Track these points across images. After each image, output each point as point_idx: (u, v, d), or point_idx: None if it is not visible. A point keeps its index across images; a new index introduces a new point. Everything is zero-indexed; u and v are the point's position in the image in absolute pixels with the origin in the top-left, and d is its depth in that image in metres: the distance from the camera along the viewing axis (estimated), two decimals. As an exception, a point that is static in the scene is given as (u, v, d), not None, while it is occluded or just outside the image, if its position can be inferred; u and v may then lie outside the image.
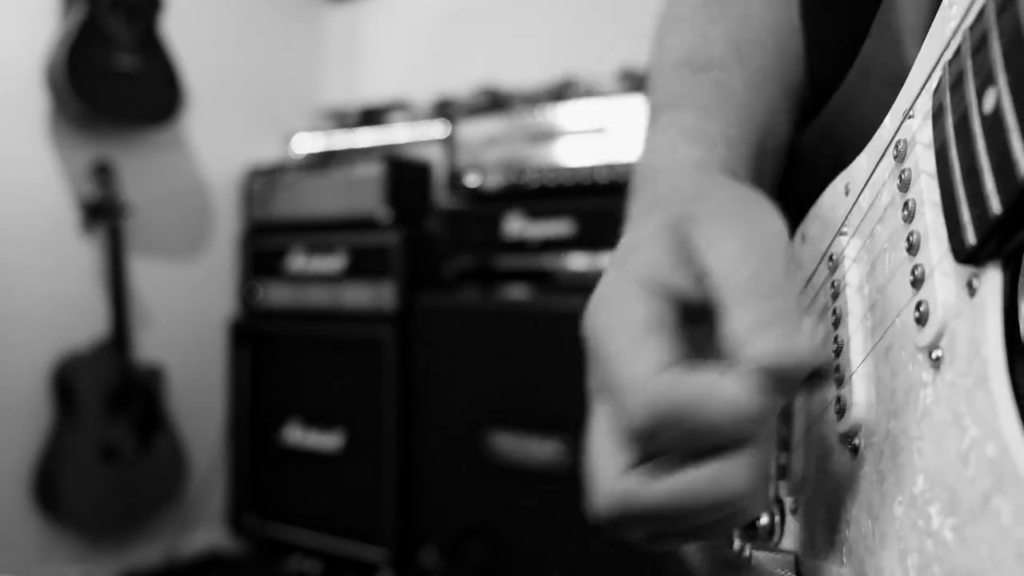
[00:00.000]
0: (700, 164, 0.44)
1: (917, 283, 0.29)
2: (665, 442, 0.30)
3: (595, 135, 2.06)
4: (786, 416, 0.45)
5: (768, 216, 0.33)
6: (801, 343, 0.27)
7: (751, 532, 0.45)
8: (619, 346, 0.32)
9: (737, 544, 0.48)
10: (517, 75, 2.45)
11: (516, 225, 2.12)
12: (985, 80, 0.24)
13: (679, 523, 0.31)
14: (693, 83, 0.49)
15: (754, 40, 0.50)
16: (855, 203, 0.37)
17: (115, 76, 2.22)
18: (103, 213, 2.27)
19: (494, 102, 2.37)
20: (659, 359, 0.30)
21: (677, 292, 0.33)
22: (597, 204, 2.00)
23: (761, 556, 0.40)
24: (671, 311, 0.33)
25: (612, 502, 0.32)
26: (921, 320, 0.28)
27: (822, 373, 0.37)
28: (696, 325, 0.32)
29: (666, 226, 0.34)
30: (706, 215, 0.33)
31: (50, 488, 2.17)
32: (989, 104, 0.24)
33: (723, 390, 0.28)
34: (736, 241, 0.31)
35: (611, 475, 0.32)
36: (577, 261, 2.01)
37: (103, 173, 2.28)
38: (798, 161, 0.50)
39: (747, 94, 0.48)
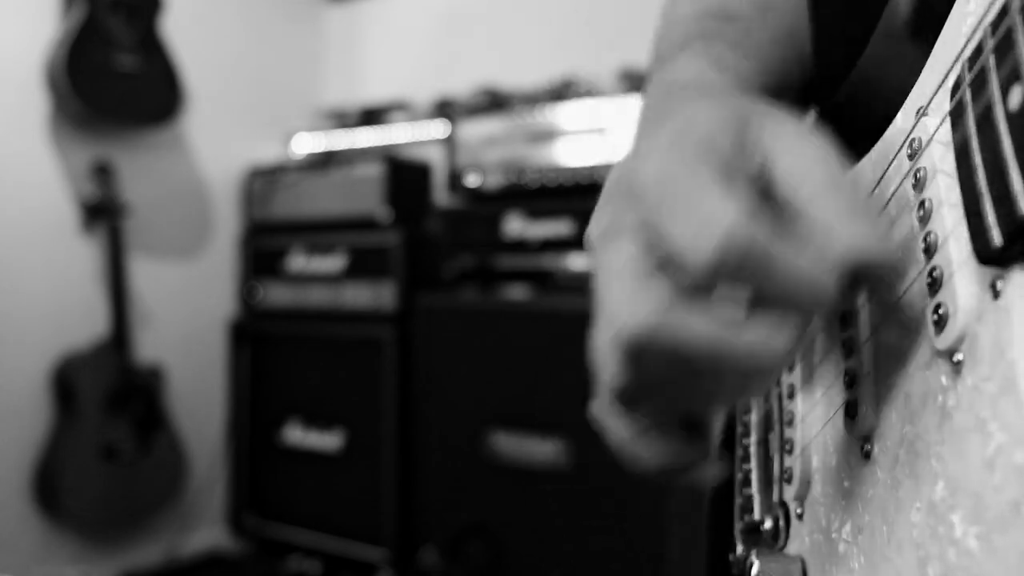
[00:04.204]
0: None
1: (935, 285, 0.28)
2: (723, 284, 0.28)
3: (595, 135, 2.05)
4: (790, 420, 0.44)
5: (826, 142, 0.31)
6: (886, 237, 0.27)
7: (755, 537, 0.44)
8: (693, 183, 0.29)
9: (741, 550, 0.47)
10: (517, 75, 2.45)
11: (516, 225, 2.12)
12: (1011, 76, 0.24)
13: (702, 374, 0.29)
14: (719, 27, 0.47)
15: (776, 5, 0.49)
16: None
17: (115, 76, 2.21)
18: (103, 213, 2.27)
19: (494, 102, 2.37)
20: (746, 203, 0.28)
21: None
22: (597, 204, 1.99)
23: (766, 561, 0.40)
24: None
25: (643, 329, 0.28)
26: (940, 323, 0.27)
27: (897, 272, 0.33)
28: None
29: (735, 116, 0.32)
30: (776, 119, 0.31)
31: (50, 488, 2.17)
32: (1015, 101, 0.23)
33: (809, 258, 0.27)
34: (810, 148, 0.29)
35: (646, 306, 0.29)
36: (577, 261, 2.00)
37: (103, 173, 2.27)
38: None
39: (773, 51, 0.47)
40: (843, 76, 0.44)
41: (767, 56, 0.47)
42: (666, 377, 0.30)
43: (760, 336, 0.27)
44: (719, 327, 0.28)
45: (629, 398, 0.32)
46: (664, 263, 0.29)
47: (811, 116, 0.51)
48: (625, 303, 0.30)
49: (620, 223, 0.32)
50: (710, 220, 0.27)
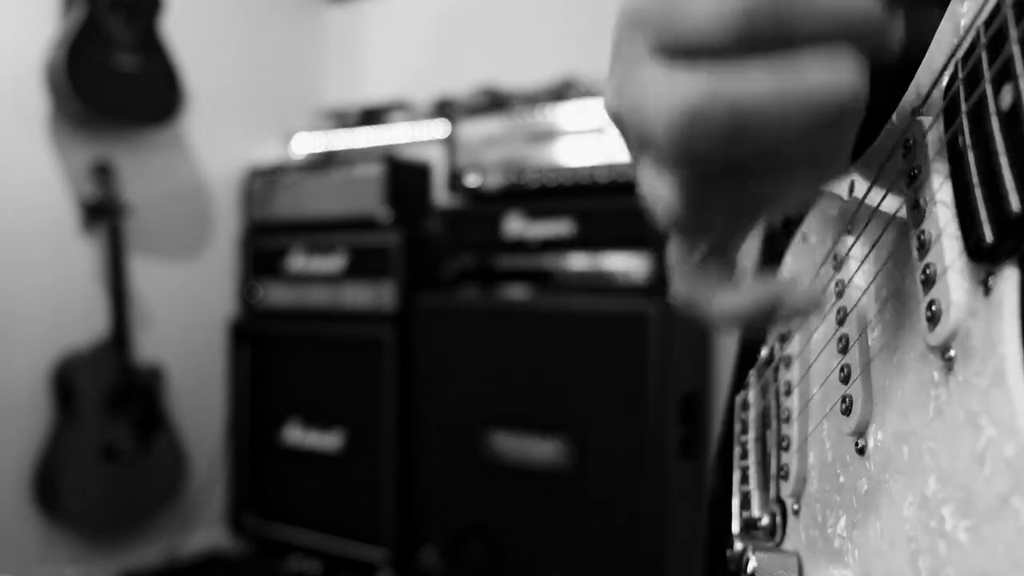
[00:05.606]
0: None
1: (928, 282, 0.29)
2: (752, 48, 0.24)
3: (595, 135, 2.06)
4: (787, 417, 0.44)
5: None
6: None
7: (753, 533, 0.45)
8: None
9: (739, 546, 0.48)
10: (517, 75, 2.45)
11: (516, 225, 2.12)
12: (1002, 76, 0.24)
13: (767, 154, 0.25)
14: None
15: None
16: (861, 202, 0.37)
17: (115, 76, 2.21)
18: (103, 213, 2.27)
19: (494, 102, 2.37)
20: None
21: None
22: (597, 204, 2.00)
23: (763, 557, 0.40)
24: None
25: (691, 104, 0.24)
26: (933, 320, 0.28)
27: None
28: None
29: None
30: None
31: (50, 488, 2.17)
32: (1007, 100, 0.23)
33: None
34: None
35: (687, 83, 0.25)
36: (577, 261, 2.00)
37: (103, 173, 2.28)
38: None
39: None
40: None
41: None
42: (728, 169, 0.26)
43: (829, 68, 0.24)
44: (782, 77, 0.24)
45: (693, 214, 0.28)
46: (688, 53, 0.25)
47: None
48: (664, 95, 0.26)
49: (631, 55, 0.28)
50: None
